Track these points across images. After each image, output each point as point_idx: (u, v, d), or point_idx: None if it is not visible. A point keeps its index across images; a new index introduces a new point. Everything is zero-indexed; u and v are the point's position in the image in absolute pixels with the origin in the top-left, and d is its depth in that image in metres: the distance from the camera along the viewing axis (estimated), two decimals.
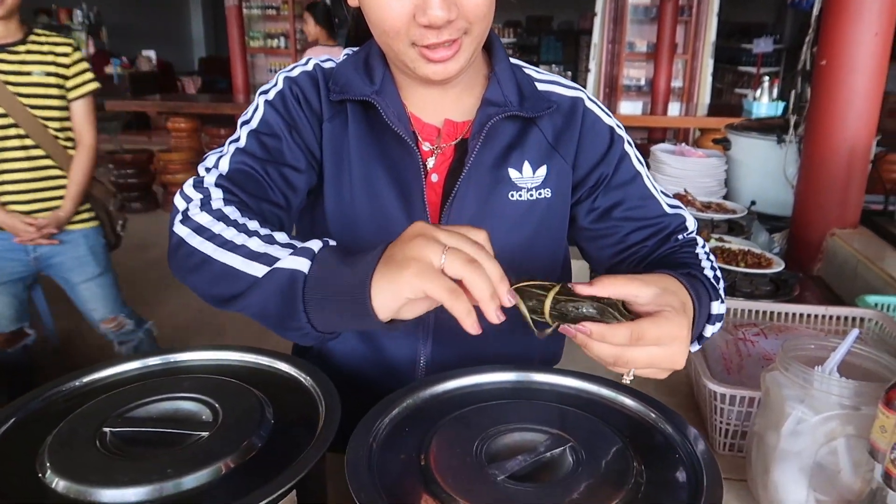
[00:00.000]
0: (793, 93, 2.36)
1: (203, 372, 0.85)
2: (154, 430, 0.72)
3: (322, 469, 0.74)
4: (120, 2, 11.12)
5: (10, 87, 2.15)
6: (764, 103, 4.12)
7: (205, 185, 0.80)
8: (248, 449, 0.68)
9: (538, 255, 0.95)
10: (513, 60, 0.95)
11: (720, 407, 1.00)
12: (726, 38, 9.04)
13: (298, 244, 0.69)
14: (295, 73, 0.92)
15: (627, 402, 0.81)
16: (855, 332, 0.85)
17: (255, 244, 0.70)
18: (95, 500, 0.62)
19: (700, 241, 0.95)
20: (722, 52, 8.02)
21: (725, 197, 2.60)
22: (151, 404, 0.76)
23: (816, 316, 1.32)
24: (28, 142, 2.22)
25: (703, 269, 0.88)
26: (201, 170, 0.84)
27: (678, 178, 2.57)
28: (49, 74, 2.22)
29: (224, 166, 0.83)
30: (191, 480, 0.64)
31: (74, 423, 0.72)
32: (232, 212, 0.76)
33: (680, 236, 0.95)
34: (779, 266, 1.72)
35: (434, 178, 0.91)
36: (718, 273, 0.89)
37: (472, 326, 0.60)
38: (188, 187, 0.81)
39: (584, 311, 0.67)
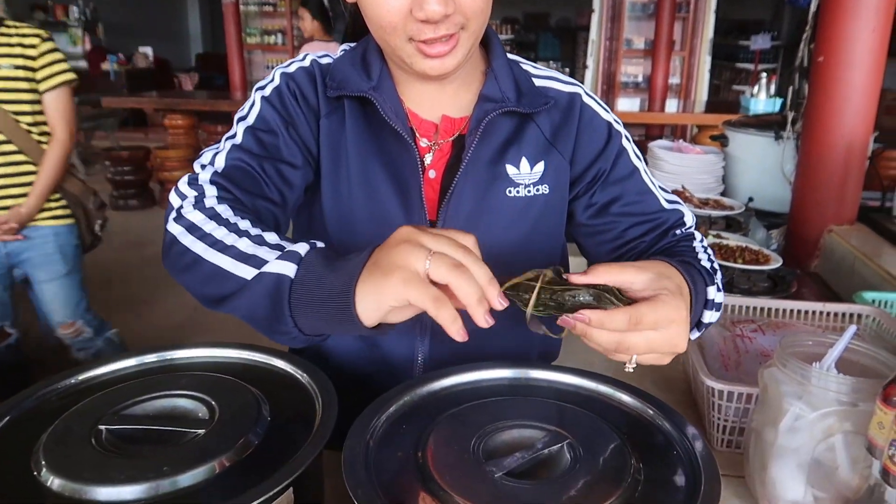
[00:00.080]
0: (790, 89, 2.36)
1: (199, 369, 0.84)
2: (150, 428, 0.71)
3: (319, 466, 0.74)
4: None
5: None
6: (761, 100, 4.13)
7: (199, 182, 0.80)
8: (245, 446, 0.68)
9: (536, 252, 0.95)
10: (510, 56, 0.94)
11: (718, 403, 1.00)
12: (724, 34, 9.04)
13: (288, 245, 0.69)
14: (292, 69, 0.91)
15: (625, 398, 0.81)
16: (853, 329, 0.85)
17: (245, 245, 0.70)
18: (91, 498, 0.62)
19: (698, 235, 0.95)
20: (719, 48, 8.02)
21: (723, 194, 2.60)
22: (147, 402, 0.75)
23: (814, 312, 1.32)
24: None
25: (700, 259, 0.88)
26: (196, 166, 0.84)
27: (676, 174, 2.57)
28: (17, 67, 2.16)
29: (220, 163, 0.83)
30: (187, 478, 0.63)
31: (70, 420, 0.72)
32: (224, 210, 0.75)
33: (678, 231, 0.95)
34: (776, 262, 1.72)
35: (432, 174, 0.91)
36: (716, 265, 0.89)
37: (457, 333, 0.59)
38: (183, 184, 0.80)
39: (581, 298, 0.67)
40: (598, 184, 0.94)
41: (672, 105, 6.32)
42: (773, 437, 0.82)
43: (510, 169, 0.90)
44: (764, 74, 4.42)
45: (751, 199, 2.40)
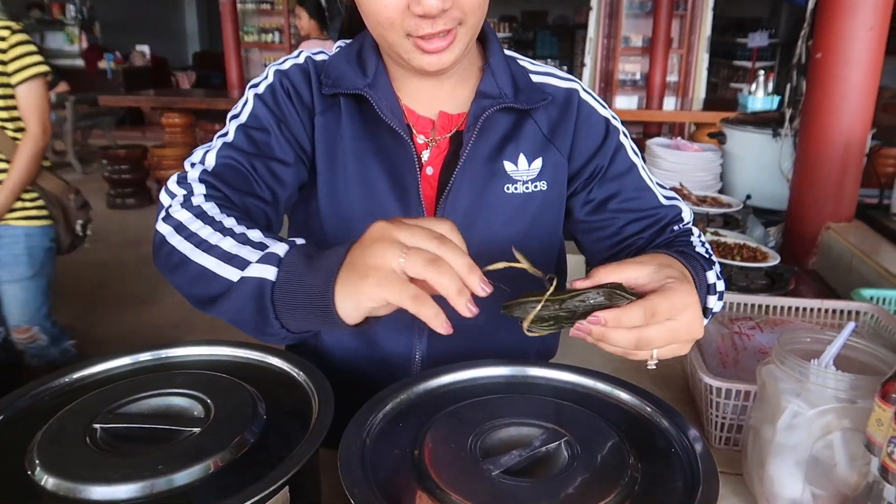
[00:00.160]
0: (788, 87, 2.36)
1: (195, 367, 0.84)
2: (145, 427, 0.71)
3: (315, 465, 0.74)
4: None
5: None
6: (759, 97, 4.13)
7: (188, 181, 0.80)
8: (241, 445, 0.68)
9: (533, 249, 0.95)
10: (507, 52, 0.94)
11: (716, 401, 1.00)
12: (721, 32, 9.04)
13: (270, 244, 0.68)
14: (286, 66, 0.91)
15: (623, 396, 0.81)
16: (851, 325, 0.85)
17: (229, 244, 0.70)
18: (86, 497, 0.61)
19: (696, 231, 0.95)
20: (717, 46, 8.02)
21: (721, 191, 2.60)
22: (142, 400, 0.75)
23: (812, 309, 1.32)
24: None
25: (696, 249, 0.88)
26: (187, 165, 0.84)
27: (674, 172, 2.57)
28: None
29: (210, 161, 0.83)
30: (182, 477, 0.63)
31: (64, 419, 0.71)
32: (211, 208, 0.75)
33: (676, 227, 0.95)
34: (774, 260, 1.72)
35: (429, 170, 0.90)
36: (714, 257, 0.89)
37: (441, 327, 0.58)
38: (172, 183, 0.80)
39: (592, 301, 0.66)
40: (596, 180, 0.94)
41: (670, 103, 6.32)
42: (772, 434, 0.81)
43: (508, 165, 0.90)
44: (762, 72, 4.42)
45: (748, 197, 2.40)
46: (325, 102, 0.89)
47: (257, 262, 0.66)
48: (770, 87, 4.23)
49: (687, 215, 0.97)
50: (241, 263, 0.67)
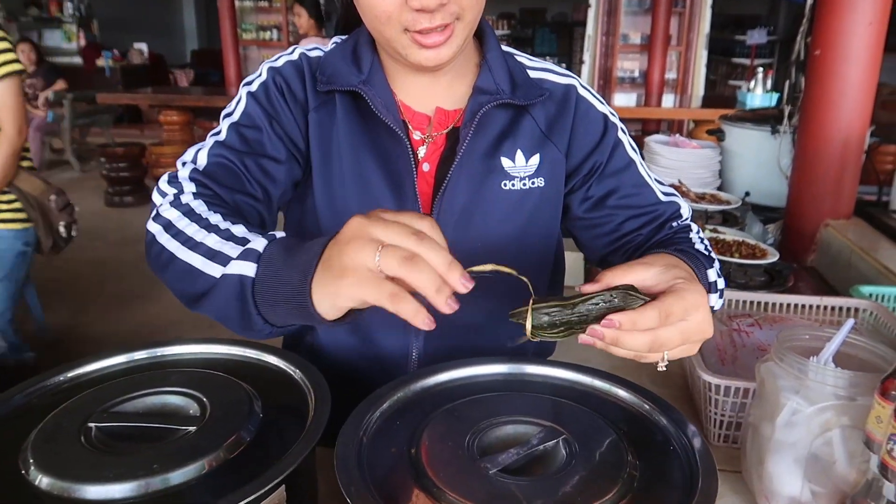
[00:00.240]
0: (787, 83, 2.36)
1: (190, 365, 0.83)
2: (140, 425, 0.70)
3: (312, 463, 0.73)
4: None
5: None
6: (758, 94, 4.12)
7: (179, 180, 0.80)
8: (237, 444, 0.67)
9: (531, 245, 0.94)
10: (504, 48, 0.93)
11: (715, 398, 1.00)
12: (720, 29, 9.04)
13: (251, 237, 0.68)
14: (279, 63, 0.91)
15: (621, 393, 0.80)
16: (850, 322, 0.84)
17: (213, 241, 0.70)
18: (80, 496, 0.61)
19: (695, 227, 0.95)
20: (716, 43, 8.01)
21: (720, 188, 2.60)
22: (138, 399, 0.75)
23: (811, 306, 1.32)
24: None
25: (696, 247, 0.87)
26: (179, 164, 0.84)
27: (672, 169, 2.56)
28: None
29: (201, 160, 0.83)
30: (178, 476, 0.63)
31: (59, 418, 0.71)
32: (198, 205, 0.75)
33: (675, 223, 0.94)
34: (773, 257, 1.71)
35: (425, 167, 0.90)
36: (713, 254, 0.89)
37: (422, 324, 0.56)
38: (163, 182, 0.81)
39: (607, 304, 0.65)
40: (595, 177, 0.94)
41: (668, 100, 6.31)
42: (770, 431, 0.81)
43: (505, 162, 0.90)
44: (760, 69, 4.41)
45: (747, 194, 2.40)
46: (319, 99, 0.89)
47: (237, 258, 0.66)
48: (769, 84, 4.22)
49: (685, 211, 0.96)
50: (224, 260, 0.67)
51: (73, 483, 0.61)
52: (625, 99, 6.11)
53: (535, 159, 0.91)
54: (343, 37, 0.94)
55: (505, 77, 0.89)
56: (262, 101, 0.87)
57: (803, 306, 1.32)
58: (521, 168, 0.90)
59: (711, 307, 0.82)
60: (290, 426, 0.71)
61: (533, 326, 0.66)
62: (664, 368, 0.68)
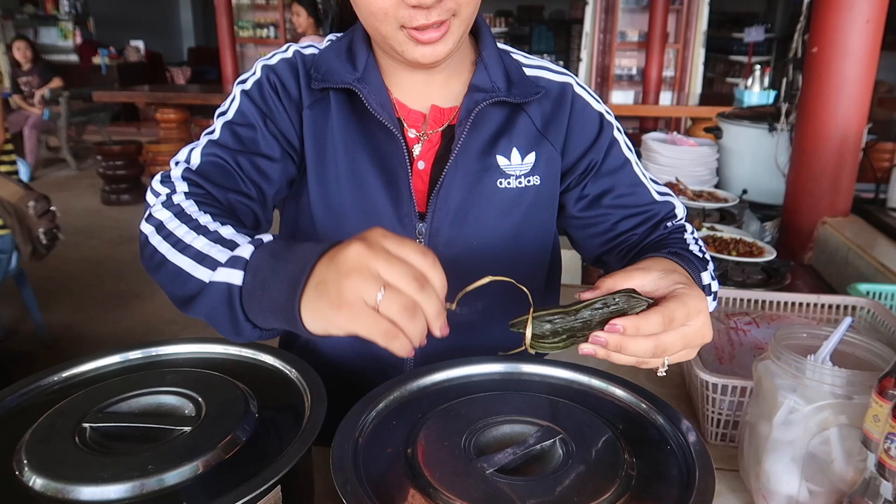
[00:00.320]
0: (784, 81, 2.36)
1: (186, 365, 0.83)
2: (135, 426, 0.70)
3: (308, 463, 0.73)
4: None
5: None
6: (755, 92, 4.12)
7: (171, 180, 0.79)
8: (232, 444, 0.67)
9: (527, 244, 0.94)
10: (500, 46, 0.93)
11: (712, 397, 0.99)
12: (717, 27, 9.04)
13: (240, 240, 0.67)
14: (273, 61, 0.90)
15: (618, 392, 0.80)
16: (848, 321, 0.84)
17: (202, 243, 0.69)
18: (75, 497, 0.60)
19: (689, 227, 0.95)
20: (713, 41, 8.01)
21: (717, 186, 2.60)
22: (133, 399, 0.74)
23: (808, 304, 1.32)
24: None
25: (691, 250, 0.87)
26: (172, 163, 0.83)
27: (670, 166, 2.57)
28: None
29: (195, 159, 0.82)
30: (173, 476, 0.62)
31: (53, 418, 0.70)
32: (189, 206, 0.75)
33: (669, 223, 0.94)
34: (770, 255, 1.71)
35: (421, 165, 0.89)
36: (708, 256, 0.88)
37: (406, 355, 0.57)
38: (156, 182, 0.80)
39: (612, 307, 0.64)
40: (590, 175, 0.93)
41: (666, 98, 6.31)
42: (768, 430, 0.81)
43: (501, 160, 0.89)
44: (758, 66, 4.41)
45: (745, 192, 2.40)
46: (313, 96, 0.88)
47: (224, 265, 0.64)
48: (766, 81, 4.22)
49: (680, 211, 0.96)
50: (212, 264, 0.66)
51: (68, 484, 0.61)
52: (622, 96, 6.11)
53: (531, 157, 0.90)
54: (338, 34, 0.94)
55: (501, 75, 0.88)
56: (257, 100, 0.87)
57: (801, 304, 1.32)
58: (516, 166, 0.90)
59: None
60: (286, 426, 0.71)
61: (534, 335, 0.65)
62: (664, 374, 0.68)
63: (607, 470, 0.65)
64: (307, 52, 0.91)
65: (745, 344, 1.15)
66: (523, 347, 0.67)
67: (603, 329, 0.63)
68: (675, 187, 2.33)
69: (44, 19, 10.00)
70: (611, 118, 0.95)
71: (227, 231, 0.70)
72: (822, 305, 1.31)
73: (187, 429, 0.68)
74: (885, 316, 1.23)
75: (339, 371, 0.96)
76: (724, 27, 9.55)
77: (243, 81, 0.89)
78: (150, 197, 0.79)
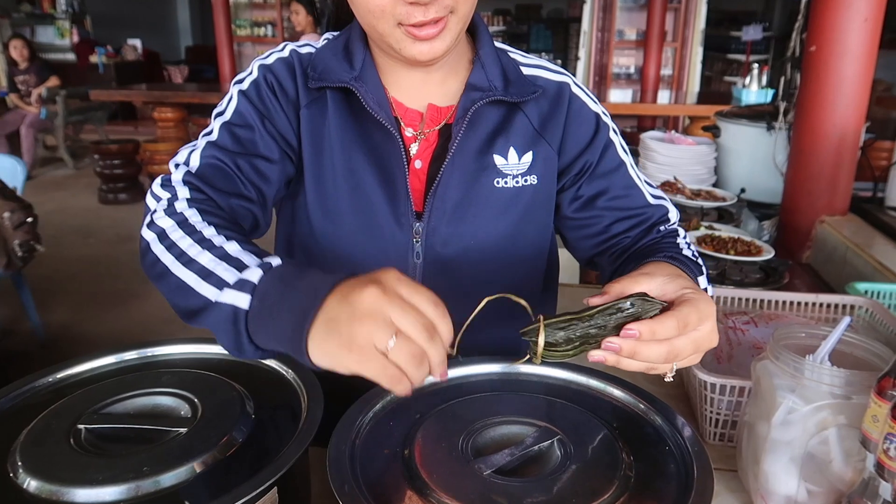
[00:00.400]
0: (782, 80, 2.36)
1: (182, 366, 0.83)
2: (131, 427, 0.70)
3: (305, 464, 0.73)
4: None
5: None
6: (753, 91, 4.12)
7: (172, 184, 0.78)
8: (228, 445, 0.67)
9: (524, 243, 0.94)
10: (498, 45, 0.93)
11: (710, 397, 0.99)
12: (715, 25, 9.03)
13: (247, 260, 0.66)
14: (270, 60, 0.90)
15: (616, 393, 0.80)
16: (847, 320, 0.84)
17: (207, 259, 0.68)
18: (69, 500, 0.60)
19: (682, 231, 0.95)
20: (711, 40, 8.01)
21: (715, 184, 2.60)
22: (128, 400, 0.74)
23: (807, 304, 1.32)
24: None
25: (684, 253, 0.87)
26: (171, 165, 0.82)
27: (668, 165, 2.56)
28: None
29: (194, 162, 0.82)
30: (169, 478, 0.62)
31: (48, 420, 0.70)
32: (192, 215, 0.74)
33: (662, 227, 0.94)
34: (768, 254, 1.71)
35: (417, 164, 0.89)
36: (700, 260, 0.88)
37: (402, 395, 0.58)
38: (156, 186, 0.79)
39: (623, 313, 0.63)
40: (585, 176, 0.93)
41: (664, 96, 6.31)
42: (766, 430, 0.81)
43: (498, 159, 0.89)
44: (756, 65, 4.41)
45: (743, 190, 2.40)
46: (310, 95, 0.88)
47: (232, 286, 0.64)
48: (764, 80, 4.22)
49: (673, 215, 0.96)
50: (218, 282, 0.65)
51: (62, 486, 0.61)
52: (620, 95, 6.10)
53: (528, 157, 0.90)
54: (334, 33, 0.93)
55: (498, 74, 0.88)
56: (254, 100, 0.86)
57: (799, 303, 1.32)
58: (513, 165, 0.89)
59: None
60: (282, 427, 0.70)
61: (547, 343, 0.63)
62: (672, 379, 0.67)
63: (605, 471, 0.65)
64: (304, 50, 0.91)
65: (743, 343, 1.15)
66: (528, 357, 0.65)
67: (618, 334, 0.62)
68: (674, 186, 2.33)
69: (41, 18, 9.97)
70: (607, 119, 0.95)
71: (233, 247, 0.69)
72: (821, 305, 1.31)
73: (183, 430, 0.68)
74: (883, 315, 1.22)
75: (335, 372, 0.96)
76: (722, 25, 9.54)
77: (240, 81, 0.89)
78: (150, 201, 0.78)
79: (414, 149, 0.89)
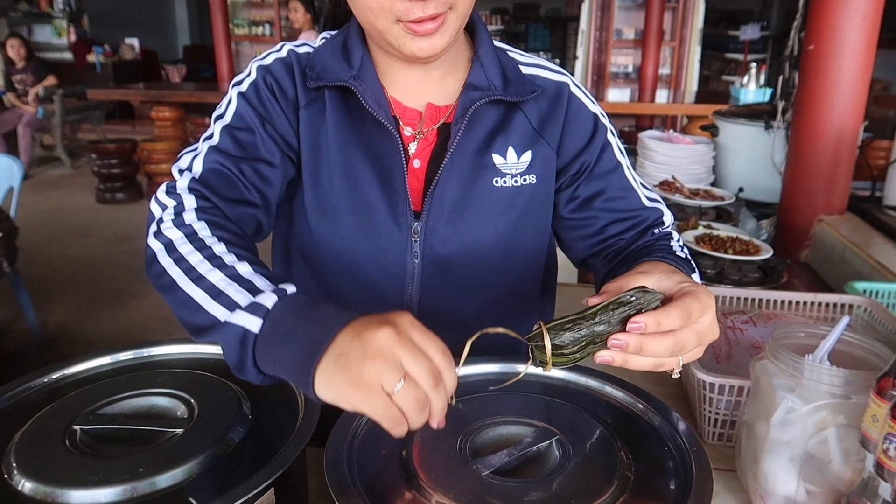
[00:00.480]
0: (780, 79, 2.36)
1: (178, 366, 0.82)
2: (127, 428, 0.69)
3: (302, 465, 0.72)
4: None
5: None
6: (751, 90, 4.13)
7: (178, 191, 0.78)
8: (225, 446, 0.67)
9: (523, 243, 0.93)
10: (497, 44, 0.92)
11: (709, 396, 0.99)
12: (713, 25, 9.04)
13: (259, 283, 0.66)
14: (268, 60, 0.89)
15: (615, 393, 0.80)
16: (846, 320, 0.84)
17: (217, 278, 0.67)
18: (65, 501, 0.60)
19: (675, 234, 0.94)
20: (709, 39, 8.02)
21: (713, 184, 2.59)
22: (124, 400, 0.74)
23: (805, 303, 1.32)
24: None
25: (678, 255, 0.87)
26: (175, 172, 0.81)
27: (666, 164, 2.56)
28: None
29: (197, 167, 0.81)
30: (165, 479, 0.62)
31: (43, 420, 0.69)
32: (201, 228, 0.73)
33: (656, 230, 0.94)
34: (767, 253, 1.71)
35: (416, 163, 0.89)
36: (693, 263, 0.88)
37: (398, 436, 0.57)
38: (162, 193, 0.78)
39: (627, 306, 0.62)
40: (583, 177, 0.93)
41: (662, 95, 6.31)
42: (766, 430, 0.81)
43: (497, 158, 0.89)
44: (754, 64, 4.42)
45: (741, 190, 2.40)
46: (309, 95, 0.87)
47: (244, 309, 0.63)
48: (762, 79, 4.23)
49: (668, 219, 0.96)
50: (229, 303, 0.64)
51: (58, 487, 0.60)
52: (618, 94, 6.10)
53: (527, 156, 0.90)
54: (332, 32, 0.93)
55: (497, 73, 0.88)
56: (254, 102, 0.86)
57: (798, 303, 1.32)
58: (512, 165, 0.89)
59: None
60: (279, 428, 0.70)
61: (554, 346, 0.62)
62: (679, 375, 0.67)
63: (604, 471, 0.65)
64: (301, 50, 0.90)
65: (742, 343, 1.15)
66: (534, 361, 0.64)
67: (623, 329, 0.62)
68: (672, 185, 2.33)
69: (38, 17, 9.96)
70: (605, 120, 0.94)
71: (244, 269, 0.68)
72: (820, 304, 1.31)
73: (179, 431, 0.68)
74: (882, 315, 1.22)
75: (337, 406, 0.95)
76: (720, 25, 9.55)
77: (239, 83, 0.88)
78: (155, 208, 0.77)
79: (412, 148, 0.89)
